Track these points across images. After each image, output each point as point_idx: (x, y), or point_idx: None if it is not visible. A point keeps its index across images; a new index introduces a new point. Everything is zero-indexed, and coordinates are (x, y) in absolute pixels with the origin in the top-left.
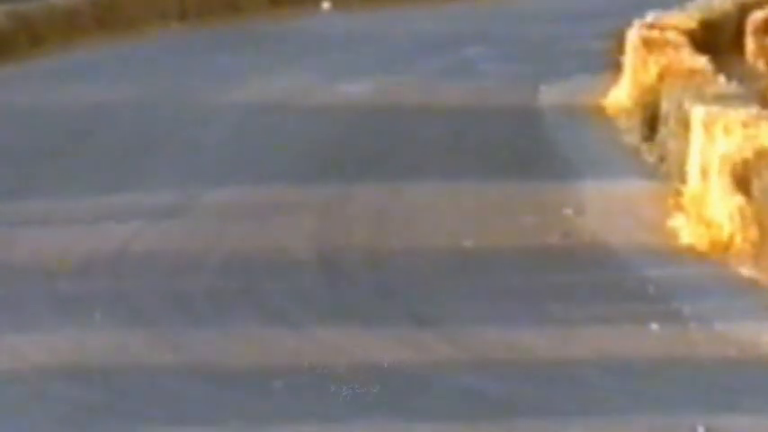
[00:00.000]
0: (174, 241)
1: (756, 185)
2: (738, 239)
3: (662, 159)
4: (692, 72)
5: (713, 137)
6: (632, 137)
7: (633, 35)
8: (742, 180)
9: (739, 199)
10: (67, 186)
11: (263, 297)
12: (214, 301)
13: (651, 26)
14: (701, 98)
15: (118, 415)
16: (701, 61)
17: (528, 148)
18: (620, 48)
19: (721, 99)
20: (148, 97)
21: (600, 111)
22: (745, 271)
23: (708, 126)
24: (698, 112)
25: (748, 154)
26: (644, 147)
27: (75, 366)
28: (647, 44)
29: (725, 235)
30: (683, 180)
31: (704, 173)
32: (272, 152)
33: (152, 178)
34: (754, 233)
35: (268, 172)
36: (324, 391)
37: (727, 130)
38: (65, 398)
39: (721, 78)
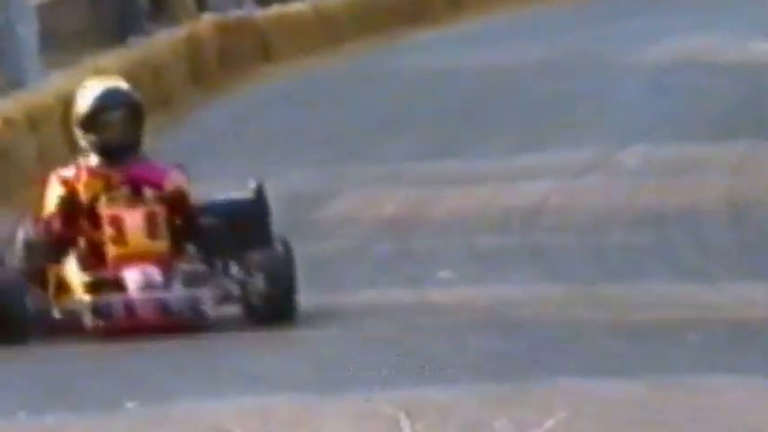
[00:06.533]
0: (588, 198)
1: None
2: None
3: None
4: None
5: None
6: None
7: None
8: None
9: None
10: (484, 147)
11: (675, 252)
12: (629, 257)
13: None
14: None
15: (538, 365)
16: None
17: None
18: None
19: None
20: (560, 58)
21: None
22: None
23: None
24: None
25: None
26: None
27: (495, 320)
28: None
29: None
30: None
31: None
32: (682, 110)
33: (566, 137)
34: None
35: (680, 130)
36: (737, 344)
37: None
38: (485, 348)
39: None
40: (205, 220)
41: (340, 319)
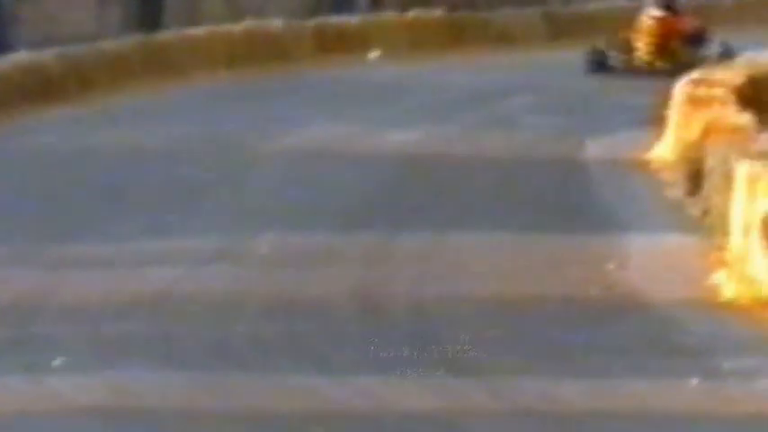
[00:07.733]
0: (216, 286)
1: None
2: None
3: (705, 214)
4: (737, 129)
5: (755, 194)
6: (676, 191)
7: (679, 90)
8: None
9: None
10: (110, 231)
11: (304, 343)
12: (255, 347)
13: (698, 82)
14: (746, 154)
15: None
16: (746, 118)
17: (571, 200)
18: (665, 103)
19: (766, 157)
20: (195, 142)
21: (644, 165)
22: None
23: (751, 182)
24: (742, 168)
25: None
26: (688, 201)
27: (115, 408)
28: (693, 100)
29: (767, 292)
30: (726, 235)
31: (746, 229)
32: (316, 199)
33: (196, 223)
34: None
35: (312, 219)
36: None
37: None
38: None
39: (766, 136)
40: None
41: None
